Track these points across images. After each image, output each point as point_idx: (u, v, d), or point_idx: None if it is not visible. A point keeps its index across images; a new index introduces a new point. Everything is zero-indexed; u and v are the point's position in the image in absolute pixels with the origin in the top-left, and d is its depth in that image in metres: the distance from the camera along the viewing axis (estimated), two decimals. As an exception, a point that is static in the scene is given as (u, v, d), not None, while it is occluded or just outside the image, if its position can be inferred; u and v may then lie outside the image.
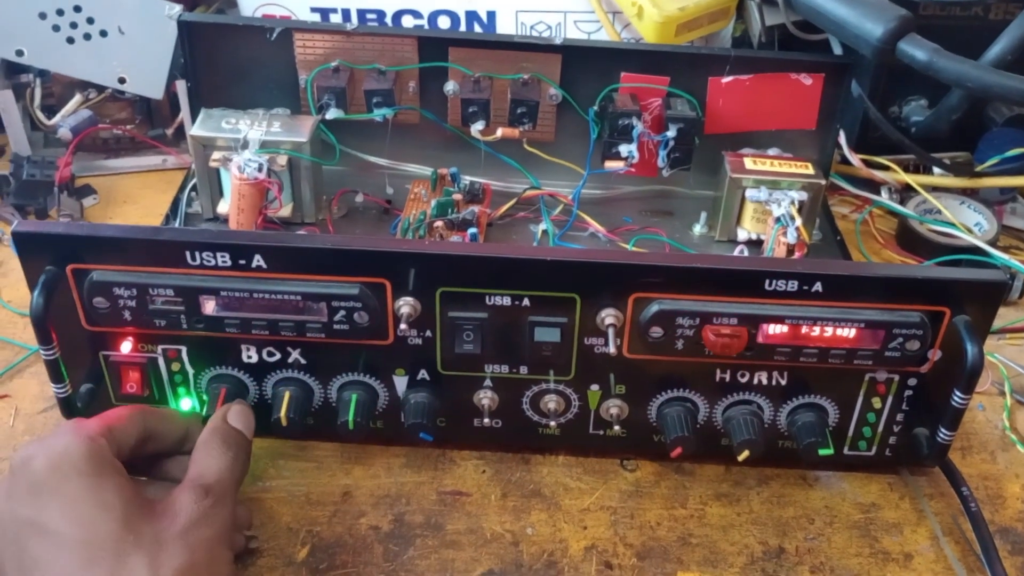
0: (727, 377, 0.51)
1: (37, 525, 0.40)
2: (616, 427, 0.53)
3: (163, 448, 0.49)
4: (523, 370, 0.52)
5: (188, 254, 0.47)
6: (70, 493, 0.40)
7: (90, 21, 0.72)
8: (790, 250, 0.59)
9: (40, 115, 0.75)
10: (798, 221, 0.60)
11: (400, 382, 0.52)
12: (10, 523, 0.41)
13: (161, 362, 0.52)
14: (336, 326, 0.49)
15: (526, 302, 0.49)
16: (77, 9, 0.72)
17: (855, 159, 0.72)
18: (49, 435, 0.44)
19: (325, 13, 0.75)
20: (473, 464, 0.55)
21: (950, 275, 0.47)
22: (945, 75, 0.58)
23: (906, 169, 0.75)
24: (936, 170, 0.75)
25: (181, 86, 0.74)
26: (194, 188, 0.65)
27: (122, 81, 0.74)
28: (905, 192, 0.75)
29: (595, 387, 0.52)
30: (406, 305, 0.48)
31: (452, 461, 0.55)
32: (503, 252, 0.48)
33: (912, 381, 0.51)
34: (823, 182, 0.62)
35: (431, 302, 0.49)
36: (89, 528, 0.40)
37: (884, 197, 0.75)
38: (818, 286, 0.47)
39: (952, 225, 0.71)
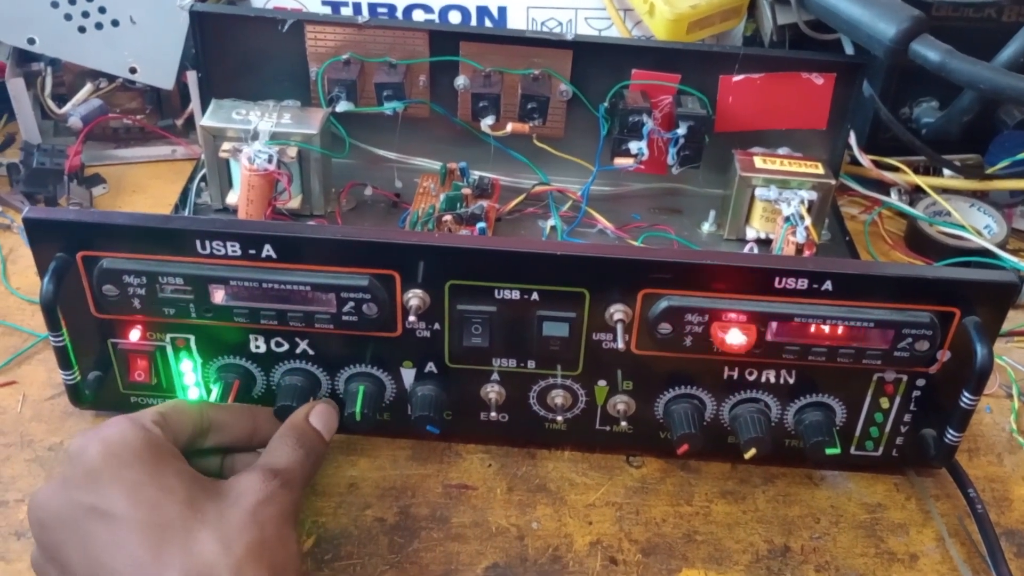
0: (735, 375, 0.51)
1: (99, 511, 0.39)
2: (623, 423, 0.53)
3: (227, 441, 0.48)
4: (531, 364, 0.52)
5: (198, 243, 0.47)
6: (131, 478, 0.40)
7: (102, 11, 0.73)
8: (799, 249, 0.59)
9: (51, 104, 0.75)
10: (807, 221, 0.60)
11: (408, 374, 0.52)
12: (69, 512, 0.40)
13: (169, 350, 0.52)
14: (345, 317, 0.49)
15: (535, 296, 0.49)
16: (89, -2, 0.72)
17: (865, 160, 0.72)
18: (101, 425, 0.43)
19: (336, 6, 0.75)
20: (479, 458, 0.55)
21: (961, 276, 0.47)
22: (957, 76, 0.57)
23: (916, 171, 0.74)
24: (946, 172, 0.75)
25: (192, 76, 0.74)
26: (203, 179, 0.65)
27: (133, 71, 0.74)
28: (915, 194, 0.75)
29: (602, 383, 0.52)
30: (415, 297, 0.48)
31: (458, 454, 0.55)
32: (513, 246, 0.48)
33: (920, 382, 0.51)
34: (833, 182, 0.62)
35: (440, 295, 0.49)
36: (154, 510, 0.39)
37: (894, 198, 0.75)
38: (828, 285, 0.47)
39: (961, 227, 0.71)
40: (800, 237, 0.59)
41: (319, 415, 0.49)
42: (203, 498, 0.41)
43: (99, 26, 0.73)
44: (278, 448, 0.46)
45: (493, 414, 0.53)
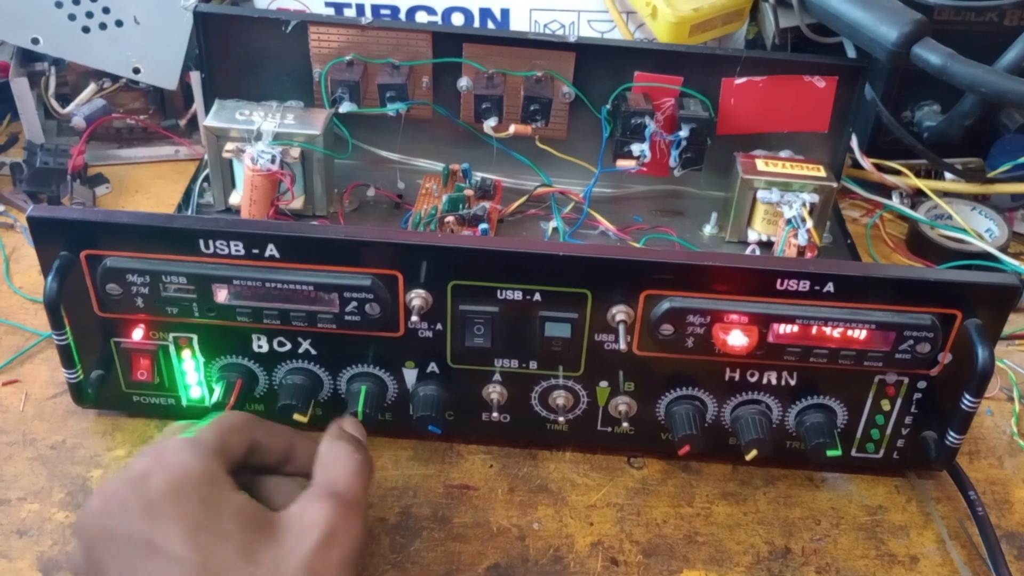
0: (736, 376, 0.51)
1: (152, 545, 0.38)
2: (624, 424, 0.53)
3: (266, 462, 0.45)
4: (532, 365, 0.52)
5: (202, 242, 0.47)
6: (189, 517, 0.38)
7: (106, 11, 0.73)
8: (800, 252, 0.59)
9: (54, 103, 0.75)
10: (809, 223, 0.60)
11: (410, 375, 0.52)
12: (123, 538, 0.39)
13: (172, 350, 0.52)
14: (347, 317, 0.49)
15: (537, 297, 0.49)
16: (93, -2, 0.72)
17: (867, 163, 0.72)
18: (165, 447, 0.41)
19: (340, 7, 0.75)
20: (480, 458, 0.55)
21: (963, 278, 0.47)
22: (959, 80, 0.58)
23: (918, 174, 0.74)
24: (948, 176, 0.75)
25: (195, 77, 0.74)
26: (206, 179, 0.65)
27: (136, 71, 0.75)
28: (916, 197, 0.75)
29: (604, 384, 0.52)
30: (418, 298, 0.48)
31: (459, 455, 0.55)
32: (516, 246, 0.48)
33: (922, 384, 0.51)
34: (835, 185, 0.62)
35: (443, 295, 0.49)
36: (208, 553, 0.38)
37: (895, 201, 0.75)
38: (830, 287, 0.47)
39: (963, 231, 0.71)
40: (802, 240, 0.59)
41: (351, 425, 0.47)
42: (259, 543, 0.39)
43: (103, 26, 0.73)
44: (334, 460, 0.43)
45: (495, 414, 0.53)
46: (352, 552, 0.40)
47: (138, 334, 0.52)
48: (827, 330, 0.48)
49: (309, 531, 0.39)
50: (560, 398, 0.53)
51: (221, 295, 0.48)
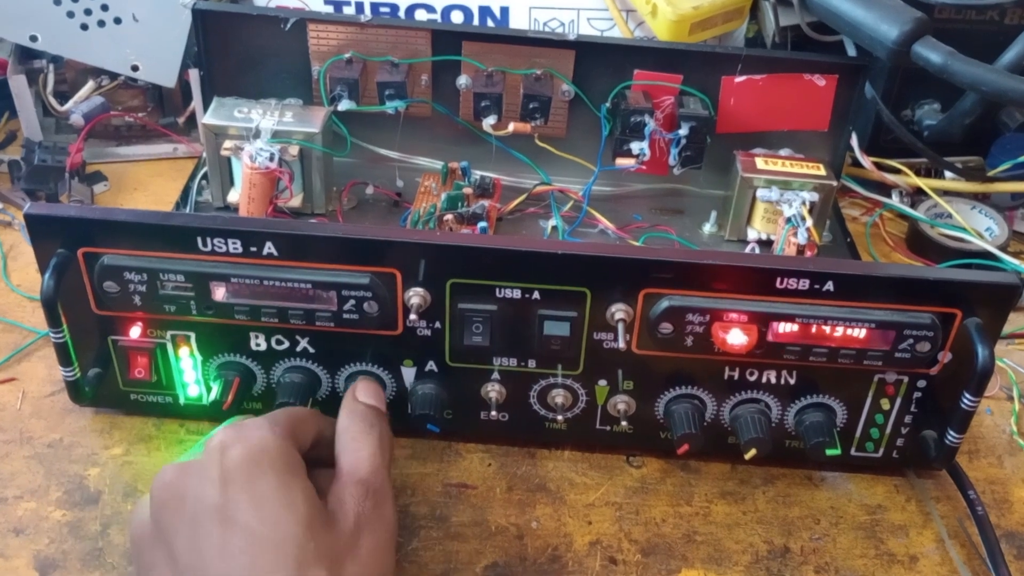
0: (735, 375, 0.51)
1: (223, 513, 0.39)
2: (623, 423, 0.53)
3: (323, 456, 0.46)
4: (531, 364, 0.52)
5: (200, 240, 0.47)
6: (262, 489, 0.40)
7: (104, 8, 0.73)
8: (800, 251, 0.59)
9: (52, 101, 0.75)
10: (809, 222, 0.60)
11: (408, 373, 0.52)
12: (193, 503, 0.40)
13: (170, 348, 0.52)
14: (345, 315, 0.49)
15: (536, 295, 0.48)
16: (92, -5, 0.72)
17: (867, 161, 0.72)
18: (243, 424, 0.42)
19: (339, 5, 0.75)
20: (479, 457, 0.55)
21: (963, 277, 0.47)
22: (960, 79, 0.57)
23: (918, 173, 0.74)
24: (948, 174, 0.75)
25: (194, 74, 0.74)
26: (205, 176, 0.65)
27: (135, 68, 0.74)
28: (916, 196, 0.75)
29: (603, 382, 0.52)
30: (416, 296, 0.48)
31: (458, 453, 0.55)
32: (515, 244, 0.48)
33: (921, 383, 0.51)
34: (834, 183, 0.62)
35: (441, 293, 0.49)
36: (276, 527, 0.39)
37: (895, 200, 0.75)
38: (830, 285, 0.47)
39: (963, 230, 0.71)
40: (801, 238, 0.59)
41: (365, 391, 0.48)
42: (319, 524, 0.40)
43: (101, 24, 0.73)
44: (351, 442, 0.45)
45: (493, 413, 0.53)
46: (388, 536, 0.42)
47: (135, 332, 0.51)
48: (827, 329, 0.48)
49: (346, 518, 0.41)
50: (559, 397, 0.52)
51: (219, 293, 0.48)
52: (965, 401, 0.48)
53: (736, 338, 0.48)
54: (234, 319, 0.49)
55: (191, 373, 0.53)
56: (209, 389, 0.53)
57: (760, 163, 0.63)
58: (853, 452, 0.54)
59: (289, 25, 0.63)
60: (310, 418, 0.46)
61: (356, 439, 0.45)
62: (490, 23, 0.75)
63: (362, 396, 0.48)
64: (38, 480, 0.52)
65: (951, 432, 0.50)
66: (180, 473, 0.41)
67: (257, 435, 0.41)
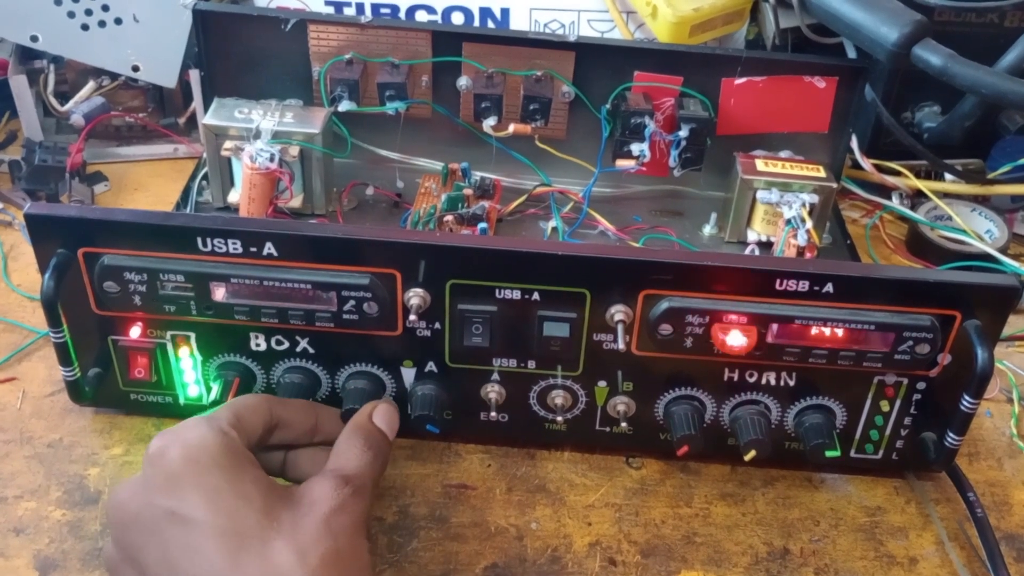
0: (735, 376, 0.51)
1: (178, 516, 0.39)
2: (623, 424, 0.53)
3: (291, 438, 0.47)
4: (531, 365, 0.52)
5: (200, 240, 0.47)
6: (210, 484, 0.40)
7: (105, 8, 0.73)
8: (800, 253, 0.59)
9: (53, 101, 0.75)
10: (809, 224, 0.60)
11: (408, 374, 0.52)
12: (149, 515, 0.40)
13: (170, 348, 0.52)
14: (345, 316, 0.49)
15: (536, 296, 0.48)
16: (92, -4, 0.72)
17: (867, 164, 0.72)
18: (180, 426, 0.43)
19: (339, 6, 0.75)
20: (478, 458, 0.55)
21: (962, 279, 0.47)
22: (959, 81, 0.58)
23: (918, 175, 0.74)
24: (948, 177, 0.75)
25: (194, 75, 0.74)
26: (205, 177, 0.65)
27: (136, 69, 0.74)
28: (916, 198, 0.75)
29: (603, 383, 0.52)
30: (416, 296, 0.48)
31: (457, 454, 0.55)
32: (515, 246, 0.48)
33: (921, 385, 0.51)
34: (834, 185, 0.62)
35: (441, 294, 0.49)
36: (232, 517, 0.39)
37: (895, 202, 0.75)
38: (829, 287, 0.47)
39: (963, 232, 0.71)
40: (801, 240, 0.59)
41: (382, 415, 0.48)
42: (279, 507, 0.40)
43: (102, 24, 0.73)
44: (346, 451, 0.45)
45: (493, 414, 0.53)
46: (360, 520, 0.42)
47: (136, 332, 0.51)
48: (826, 331, 0.48)
49: (321, 500, 0.41)
50: (558, 398, 0.52)
51: (219, 293, 0.48)
52: (965, 403, 0.48)
53: (736, 339, 0.48)
54: (234, 319, 0.49)
55: (191, 373, 0.53)
56: (209, 389, 0.53)
57: (760, 165, 0.63)
58: (853, 454, 0.54)
59: (289, 26, 0.64)
60: (258, 405, 0.46)
61: (353, 448, 0.45)
62: (490, 24, 0.75)
63: (376, 418, 0.48)
64: (38, 480, 0.52)
65: (951, 434, 0.50)
66: (128, 490, 0.41)
67: (194, 433, 0.42)
